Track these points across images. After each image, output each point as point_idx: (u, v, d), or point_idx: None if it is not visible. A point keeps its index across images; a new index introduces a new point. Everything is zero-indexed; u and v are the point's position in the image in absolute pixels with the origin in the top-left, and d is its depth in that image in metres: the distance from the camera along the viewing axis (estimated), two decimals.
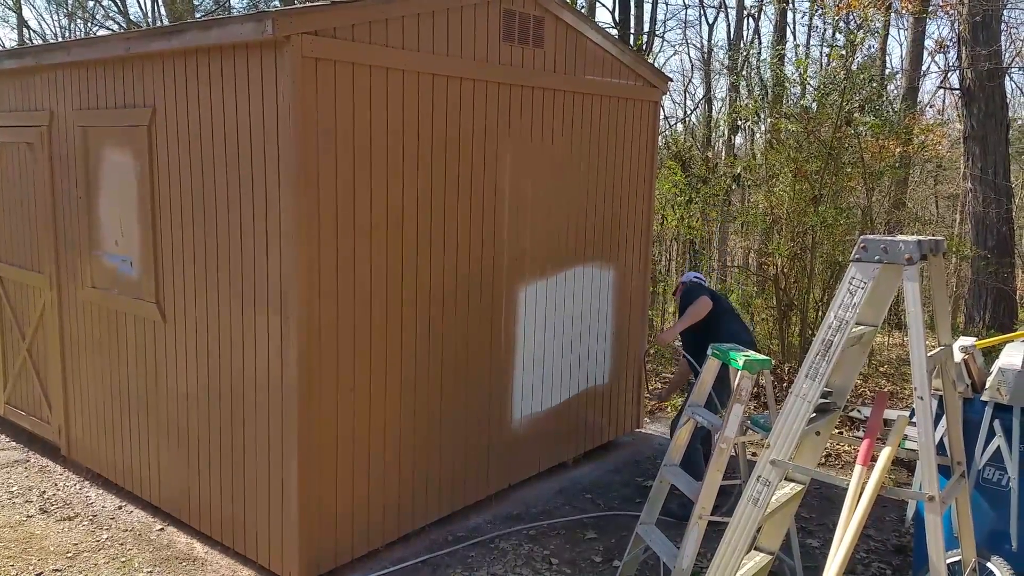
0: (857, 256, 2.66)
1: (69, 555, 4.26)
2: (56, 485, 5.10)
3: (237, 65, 3.74)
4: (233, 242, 3.92)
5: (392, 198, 4.03)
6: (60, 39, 19.37)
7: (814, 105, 7.75)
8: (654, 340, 6.33)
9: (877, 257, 2.61)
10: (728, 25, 22.25)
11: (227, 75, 3.79)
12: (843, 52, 7.77)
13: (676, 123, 14.81)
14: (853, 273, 2.64)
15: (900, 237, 2.61)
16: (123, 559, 4.23)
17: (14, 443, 5.78)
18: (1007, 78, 11.59)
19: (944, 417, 3.15)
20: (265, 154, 3.70)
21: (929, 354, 2.57)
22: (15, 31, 19.22)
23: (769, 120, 8.43)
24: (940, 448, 3.53)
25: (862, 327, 2.90)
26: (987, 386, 3.69)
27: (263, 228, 3.76)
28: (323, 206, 3.72)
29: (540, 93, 4.80)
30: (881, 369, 8.49)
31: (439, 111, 4.19)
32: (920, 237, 2.62)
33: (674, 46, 34.42)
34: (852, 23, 9.85)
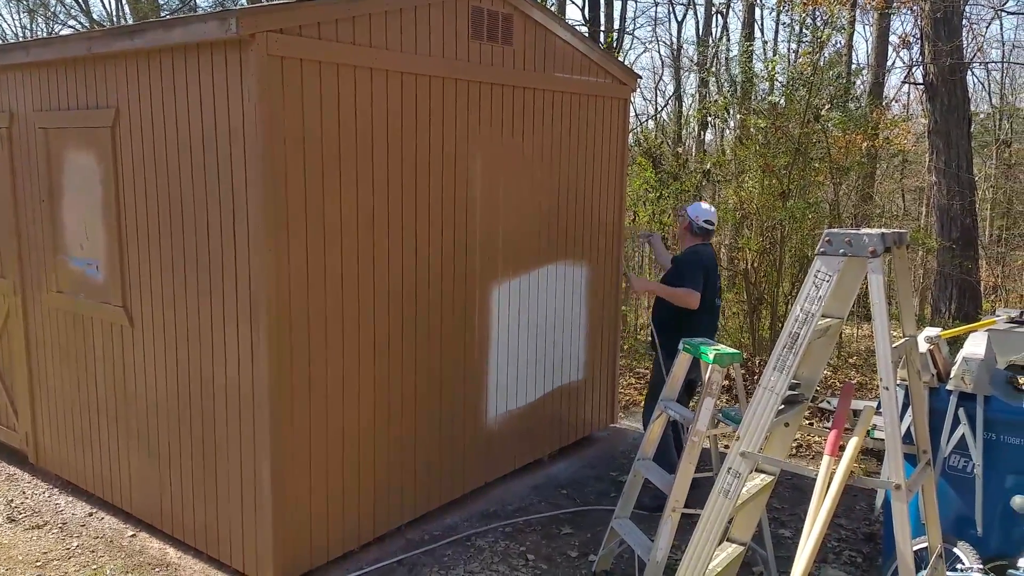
0: (822, 250, 2.70)
1: (38, 564, 4.19)
2: (24, 493, 5.01)
3: (201, 65, 3.69)
4: (201, 245, 3.87)
5: (362, 198, 4.01)
6: (20, 38, 18.96)
7: (782, 101, 7.84)
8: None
9: (842, 251, 2.66)
10: (697, 22, 22.45)
11: (191, 75, 3.75)
12: (810, 49, 7.88)
13: (647, 120, 14.90)
14: (818, 267, 2.68)
15: (864, 230, 2.65)
16: (94, 566, 4.16)
17: None
18: (969, 73, 11.81)
19: (910, 407, 3.21)
20: (231, 155, 3.66)
21: (894, 345, 2.62)
22: None
23: (738, 116, 8.52)
24: (907, 437, 3.60)
25: (828, 319, 2.94)
26: (952, 375, 3.77)
27: (231, 230, 3.72)
28: (292, 206, 3.69)
29: (510, 91, 4.80)
30: (851, 360, 8.62)
31: (408, 110, 4.17)
32: (884, 230, 2.67)
33: (644, 43, 34.61)
34: (819, 19, 9.98)
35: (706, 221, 5.03)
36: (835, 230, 2.68)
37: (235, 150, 3.63)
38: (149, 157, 4.03)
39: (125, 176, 4.18)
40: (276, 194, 3.61)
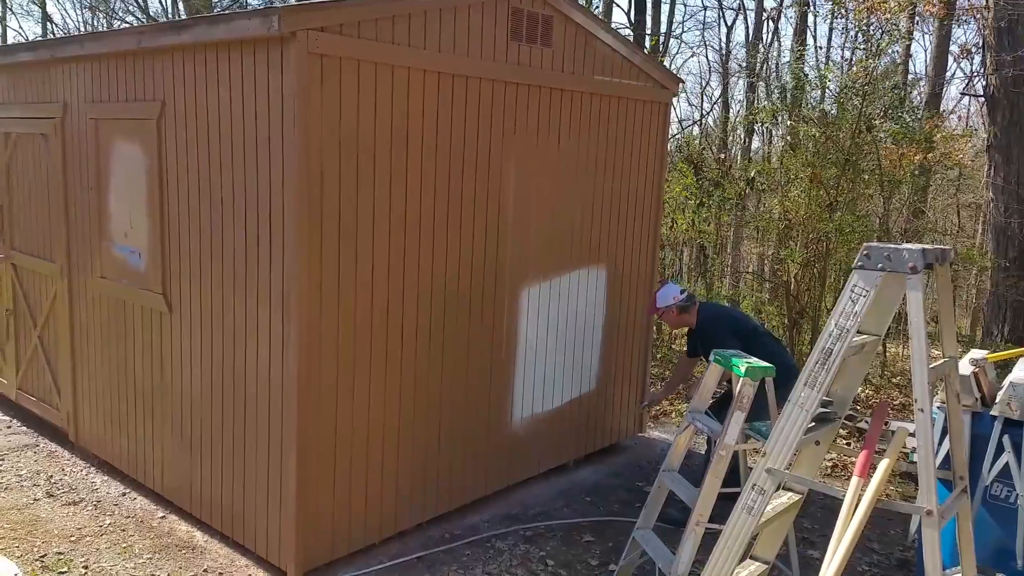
0: (860, 264, 2.61)
1: (72, 539, 4.30)
2: (63, 470, 5.16)
3: (244, 61, 3.75)
4: (238, 238, 3.93)
5: (395, 197, 4.02)
6: (83, 33, 19.61)
7: (834, 109, 7.65)
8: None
9: (880, 265, 2.57)
10: (747, 27, 22.10)
11: (234, 71, 3.81)
12: (865, 59, 7.67)
13: (691, 125, 14.69)
14: (855, 281, 2.60)
15: (905, 245, 2.56)
16: (124, 544, 4.26)
17: (24, 428, 5.86)
18: None
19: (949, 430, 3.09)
20: (270, 151, 3.70)
21: (932, 366, 2.52)
22: (39, 24, 19.46)
23: (788, 123, 8.33)
24: (945, 462, 3.47)
25: (864, 336, 2.85)
26: (997, 400, 3.63)
27: (267, 225, 3.77)
28: (326, 204, 3.72)
29: (547, 92, 4.77)
30: (894, 380, 8.37)
31: (444, 109, 4.18)
32: (925, 246, 2.57)
33: (691, 47, 34.17)
34: (875, 27, 9.72)
35: (681, 293, 4.90)
36: (874, 244, 2.59)
37: (273, 145, 3.68)
38: (192, 150, 4.11)
39: (169, 168, 4.27)
40: (312, 190, 3.64)
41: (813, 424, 2.90)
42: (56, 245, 5.27)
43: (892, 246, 2.56)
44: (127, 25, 16.11)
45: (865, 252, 2.61)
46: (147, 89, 4.32)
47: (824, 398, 2.77)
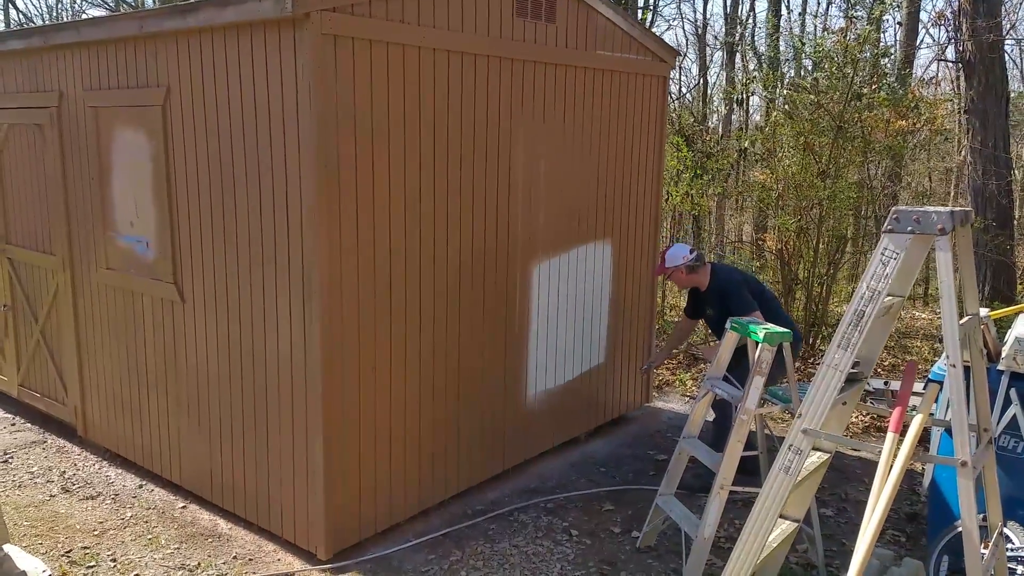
0: (889, 227, 2.68)
1: (95, 533, 4.29)
2: (75, 465, 5.13)
3: (255, 43, 3.70)
4: (253, 223, 3.91)
5: (409, 176, 4.03)
6: (47, 20, 19.06)
7: (822, 79, 7.73)
8: (705, 355, 6.06)
9: (910, 228, 2.64)
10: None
11: (244, 54, 3.76)
12: (859, 26, 7.73)
13: (675, 99, 14.74)
14: (886, 244, 2.67)
15: (931, 208, 2.63)
16: (149, 536, 4.26)
17: (29, 424, 5.79)
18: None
19: (971, 386, 3.20)
20: (285, 134, 3.68)
21: (960, 322, 2.61)
22: (2, 10, 18.82)
23: (785, 92, 8.40)
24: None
25: (891, 298, 2.93)
26: (1003, 355, 3.74)
27: (284, 209, 3.76)
28: (344, 185, 3.71)
29: (552, 69, 4.78)
30: (888, 344, 8.57)
31: (454, 88, 4.17)
32: (953, 208, 2.64)
33: (668, 20, 34.11)
34: None
35: (690, 253, 4.90)
36: (903, 207, 2.66)
37: (288, 128, 3.66)
38: (201, 135, 4.06)
39: (176, 154, 4.22)
40: (329, 171, 3.63)
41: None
42: (56, 237, 5.18)
43: (920, 209, 2.64)
44: (99, 11, 15.69)
45: (895, 216, 2.68)
46: (150, 75, 4.25)
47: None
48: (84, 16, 18.18)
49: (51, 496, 4.70)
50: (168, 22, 4.01)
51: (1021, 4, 16.32)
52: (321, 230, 3.65)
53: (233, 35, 3.78)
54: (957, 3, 10.02)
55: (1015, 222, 10.77)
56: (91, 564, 3.99)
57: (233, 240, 4.03)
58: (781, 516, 3.32)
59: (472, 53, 4.24)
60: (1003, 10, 10.31)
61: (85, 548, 4.14)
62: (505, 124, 4.53)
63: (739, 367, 4.28)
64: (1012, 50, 17.06)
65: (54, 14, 19.26)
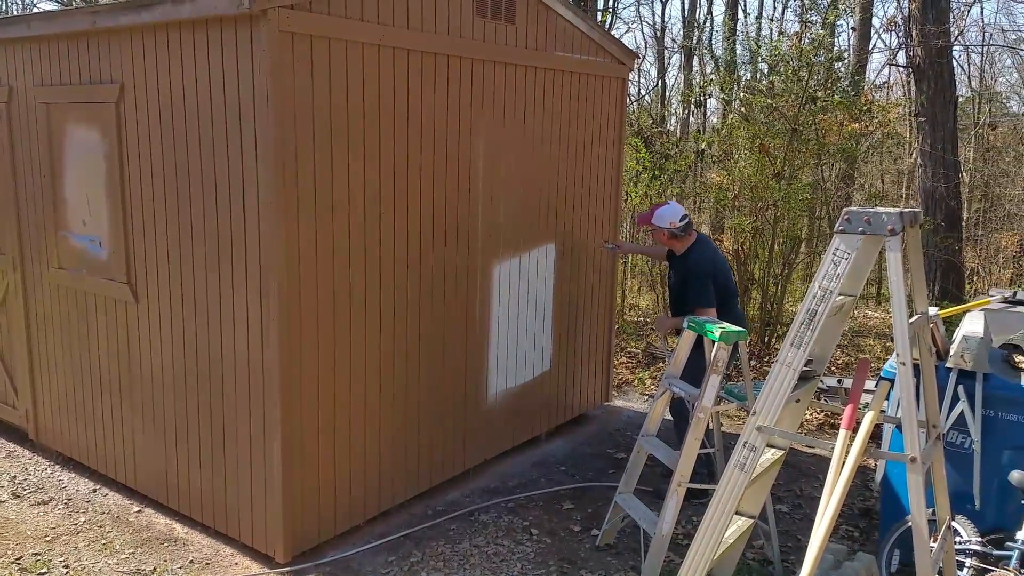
0: (841, 228, 2.75)
1: (47, 539, 4.18)
2: (26, 470, 4.99)
3: (211, 40, 3.65)
4: (209, 220, 3.85)
5: (369, 174, 4.00)
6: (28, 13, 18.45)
7: (777, 81, 7.88)
8: (656, 327, 6.03)
9: (860, 228, 2.71)
10: (683, 1, 22.38)
11: (200, 51, 3.70)
12: (813, 31, 7.90)
13: (634, 102, 14.90)
14: (837, 244, 2.74)
15: (882, 209, 2.71)
16: (103, 541, 4.17)
17: None
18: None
19: (920, 383, 3.29)
20: (241, 131, 3.63)
21: (910, 321, 2.68)
22: None
23: (741, 95, 8.54)
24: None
25: (842, 297, 3.00)
26: (951, 353, 3.86)
27: (240, 206, 3.71)
28: (301, 183, 3.68)
29: (512, 69, 4.79)
30: (840, 342, 8.76)
31: (414, 87, 4.16)
32: (901, 209, 2.72)
33: (627, 23, 34.41)
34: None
35: (682, 219, 4.73)
36: (854, 208, 2.73)
37: (245, 125, 3.61)
38: (156, 133, 3.99)
39: (130, 152, 4.13)
40: (287, 169, 3.60)
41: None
42: (6, 236, 5.04)
43: (871, 210, 2.71)
44: (54, 5, 15.23)
45: (846, 217, 2.75)
46: (104, 71, 4.16)
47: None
48: (35, 10, 17.68)
49: (0, 502, 4.56)
50: (123, 17, 3.92)
51: (968, 11, 16.84)
52: (279, 229, 3.61)
53: (189, 32, 3.72)
54: (908, 10, 10.30)
55: (963, 223, 11.10)
56: (43, 571, 3.89)
57: (188, 239, 3.96)
58: (737, 513, 3.38)
59: (432, 52, 4.23)
60: (951, 17, 10.63)
61: (36, 555, 4.03)
62: (466, 124, 4.53)
63: (694, 366, 4.34)
64: (960, 56, 17.59)
65: (3, 7, 18.66)
